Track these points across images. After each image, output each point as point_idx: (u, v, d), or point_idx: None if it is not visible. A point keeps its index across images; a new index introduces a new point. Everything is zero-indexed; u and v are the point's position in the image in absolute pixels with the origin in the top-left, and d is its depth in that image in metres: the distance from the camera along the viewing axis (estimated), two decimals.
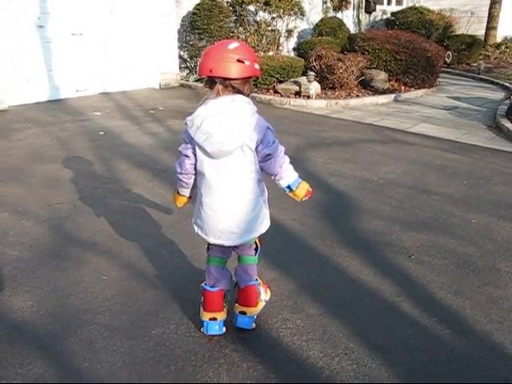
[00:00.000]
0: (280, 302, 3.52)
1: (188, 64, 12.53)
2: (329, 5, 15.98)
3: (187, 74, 12.47)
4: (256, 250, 3.20)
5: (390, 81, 11.66)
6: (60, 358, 3.01)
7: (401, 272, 3.97)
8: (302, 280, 3.81)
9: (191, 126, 2.79)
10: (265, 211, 3.06)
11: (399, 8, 18.15)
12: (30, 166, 6.28)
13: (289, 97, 10.49)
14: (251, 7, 12.64)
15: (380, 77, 11.41)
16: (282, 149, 2.91)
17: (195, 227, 3.10)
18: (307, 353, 3.06)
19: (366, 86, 11.33)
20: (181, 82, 11.89)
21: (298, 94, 10.60)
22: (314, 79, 10.47)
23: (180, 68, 12.15)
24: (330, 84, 11.01)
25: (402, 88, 11.59)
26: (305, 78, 10.63)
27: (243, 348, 3.07)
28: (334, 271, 3.97)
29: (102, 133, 7.75)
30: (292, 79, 10.97)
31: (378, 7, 17.99)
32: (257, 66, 2.79)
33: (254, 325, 3.25)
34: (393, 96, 10.90)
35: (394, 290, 3.72)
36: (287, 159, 2.94)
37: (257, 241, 3.19)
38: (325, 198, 5.40)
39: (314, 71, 10.73)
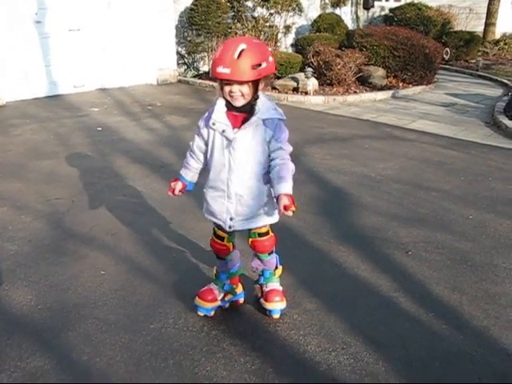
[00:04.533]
0: None
1: (186, 60, 12.52)
2: (327, 1, 15.98)
3: (185, 70, 12.46)
4: None
5: (387, 77, 11.66)
6: (59, 351, 3.02)
7: (398, 267, 3.99)
8: (300, 275, 3.83)
9: None
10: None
11: (397, 4, 18.14)
12: (29, 161, 6.27)
13: (286, 93, 10.48)
14: (249, 3, 12.65)
15: (378, 73, 11.42)
16: None
17: None
18: (304, 347, 3.07)
19: (364, 83, 11.33)
20: (178, 77, 11.87)
21: (295, 90, 10.59)
22: (312, 75, 10.47)
23: (178, 64, 12.13)
24: (327, 80, 11.00)
25: (400, 84, 11.59)
26: (303, 74, 10.62)
27: (241, 342, 3.09)
28: (331, 266, 3.99)
29: (100, 128, 7.75)
30: (290, 75, 10.96)
31: (377, 3, 18.00)
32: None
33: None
34: (391, 92, 10.91)
35: (391, 285, 3.74)
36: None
37: None
38: (322, 194, 5.41)
39: (311, 67, 10.72)
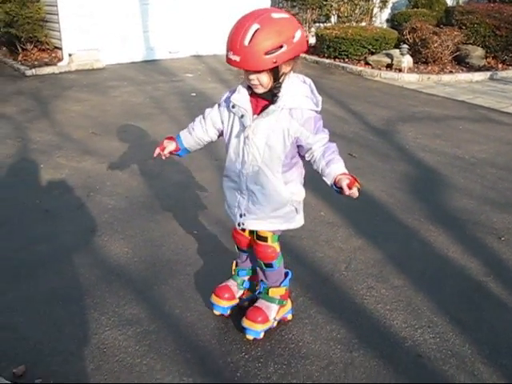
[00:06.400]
0: (365, 270, 3.56)
1: None
2: None
3: None
4: None
5: (486, 58, 11.21)
6: (152, 302, 3.18)
7: (489, 252, 3.89)
8: (388, 251, 3.82)
9: None
10: None
11: None
12: (126, 121, 6.52)
13: (380, 69, 10.29)
14: None
15: (476, 53, 11.00)
16: None
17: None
18: (390, 322, 3.08)
19: (461, 62, 10.94)
20: None
21: (389, 66, 10.38)
22: (407, 52, 10.21)
23: None
24: (422, 58, 10.70)
25: (500, 66, 11.10)
26: (397, 50, 10.38)
27: (327, 311, 3.13)
28: (420, 245, 3.95)
29: (194, 94, 7.91)
30: (384, 51, 10.74)
31: None
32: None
33: None
34: (489, 74, 10.48)
35: (481, 269, 3.66)
36: None
37: None
38: (414, 173, 5.33)
39: (407, 44, 10.45)
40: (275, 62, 2.26)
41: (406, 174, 5.25)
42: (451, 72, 10.46)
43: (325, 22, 12.74)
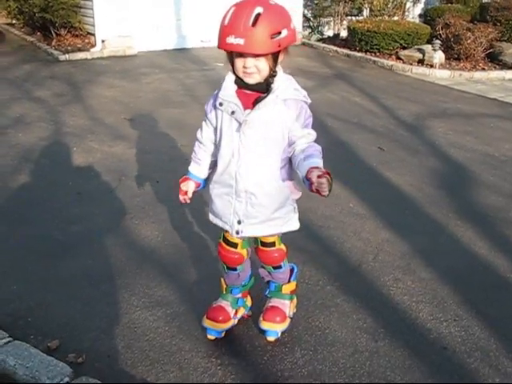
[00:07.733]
0: (392, 262, 3.58)
1: (311, 23, 12.49)
2: None
3: (309, 33, 12.42)
4: None
5: None
6: (182, 285, 3.25)
7: None
8: (416, 244, 3.83)
9: None
10: None
11: None
12: (157, 108, 6.60)
13: (411, 64, 10.21)
14: None
15: (510, 50, 10.83)
16: None
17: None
18: (416, 314, 3.10)
19: (494, 60, 10.79)
20: (303, 40, 11.82)
21: (420, 62, 10.29)
22: (439, 48, 10.12)
23: (303, 27, 12.11)
24: (454, 54, 10.58)
25: None
26: (430, 46, 10.29)
27: (354, 300, 3.16)
28: (448, 240, 3.96)
29: None
30: (416, 46, 10.66)
31: None
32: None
33: None
34: None
35: (508, 266, 3.65)
36: None
37: None
38: (443, 168, 5.33)
39: (439, 40, 10.35)
40: (279, 46, 2.19)
41: (435, 170, 5.25)
42: (483, 69, 10.33)
43: (357, 15, 12.69)
